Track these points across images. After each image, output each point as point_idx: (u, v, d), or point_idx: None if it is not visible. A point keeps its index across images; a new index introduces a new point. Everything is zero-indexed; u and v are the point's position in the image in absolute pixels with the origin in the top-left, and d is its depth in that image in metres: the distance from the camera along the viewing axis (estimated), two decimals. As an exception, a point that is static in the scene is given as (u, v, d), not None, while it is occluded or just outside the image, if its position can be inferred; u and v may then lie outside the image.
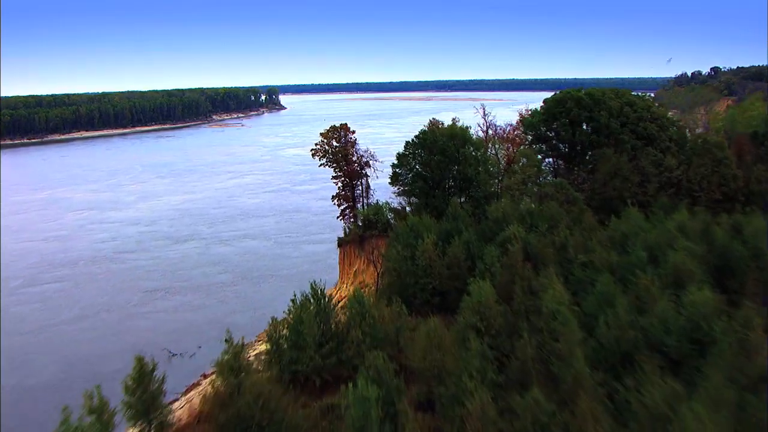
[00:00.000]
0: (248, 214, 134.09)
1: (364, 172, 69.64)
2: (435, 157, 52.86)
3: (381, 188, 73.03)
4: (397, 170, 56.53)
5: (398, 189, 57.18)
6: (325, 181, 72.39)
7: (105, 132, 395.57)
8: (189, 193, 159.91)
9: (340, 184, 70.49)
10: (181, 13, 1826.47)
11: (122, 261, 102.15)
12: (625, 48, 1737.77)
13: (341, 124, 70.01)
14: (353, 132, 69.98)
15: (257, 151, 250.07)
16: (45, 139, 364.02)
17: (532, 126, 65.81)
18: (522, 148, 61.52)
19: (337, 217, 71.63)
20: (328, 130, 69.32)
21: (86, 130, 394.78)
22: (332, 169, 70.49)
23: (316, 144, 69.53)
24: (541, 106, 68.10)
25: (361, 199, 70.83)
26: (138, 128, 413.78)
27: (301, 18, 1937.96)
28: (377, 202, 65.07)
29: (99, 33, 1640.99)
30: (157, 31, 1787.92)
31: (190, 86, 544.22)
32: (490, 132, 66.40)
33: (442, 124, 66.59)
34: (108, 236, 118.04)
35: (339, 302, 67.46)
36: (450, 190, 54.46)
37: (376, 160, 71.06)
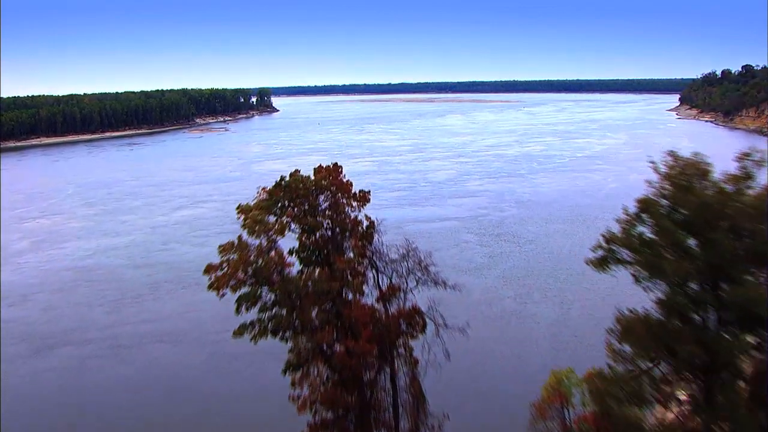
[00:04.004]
0: (183, 278, 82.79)
1: (397, 346, 18.69)
2: None
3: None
4: None
5: None
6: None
7: (70, 138, 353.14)
8: (110, 235, 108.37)
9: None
10: (176, 12, 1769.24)
11: None
12: (627, 49, 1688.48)
13: (320, 169, 19.35)
14: (362, 199, 19.24)
15: (228, 164, 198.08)
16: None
17: None
18: None
19: None
20: (262, 203, 18.95)
21: (47, 136, 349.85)
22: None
23: (222, 261, 19.03)
24: None
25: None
26: (108, 133, 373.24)
27: (296, 18, 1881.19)
28: None
29: (78, 31, 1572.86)
30: (146, 29, 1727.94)
31: (174, 88, 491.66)
32: None
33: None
34: None
35: None
36: None
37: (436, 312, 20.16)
